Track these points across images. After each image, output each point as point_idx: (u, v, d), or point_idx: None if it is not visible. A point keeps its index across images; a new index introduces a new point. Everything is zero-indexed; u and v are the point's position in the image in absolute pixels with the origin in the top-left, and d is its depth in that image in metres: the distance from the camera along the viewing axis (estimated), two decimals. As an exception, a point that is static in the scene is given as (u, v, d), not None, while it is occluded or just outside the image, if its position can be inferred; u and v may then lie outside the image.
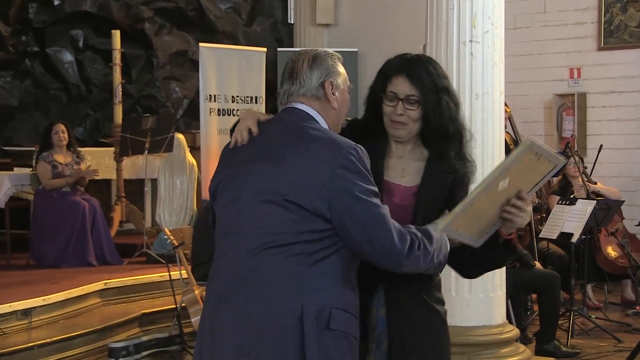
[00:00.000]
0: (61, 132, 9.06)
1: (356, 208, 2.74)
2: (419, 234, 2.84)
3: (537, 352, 6.86)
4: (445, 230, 2.90)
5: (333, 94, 2.95)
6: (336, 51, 3.08)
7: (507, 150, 8.01)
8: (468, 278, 3.29)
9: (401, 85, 3.06)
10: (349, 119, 3.18)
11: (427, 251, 2.84)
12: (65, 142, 9.10)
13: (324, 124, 2.93)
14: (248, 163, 2.88)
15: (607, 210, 7.90)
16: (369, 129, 3.15)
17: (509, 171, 2.85)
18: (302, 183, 2.76)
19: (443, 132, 3.08)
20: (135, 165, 10.51)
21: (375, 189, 2.80)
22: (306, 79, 2.94)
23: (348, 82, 3.02)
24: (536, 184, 2.95)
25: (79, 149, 9.38)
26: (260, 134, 2.94)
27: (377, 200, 2.78)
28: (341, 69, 3.00)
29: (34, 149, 9.55)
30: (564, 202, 7.81)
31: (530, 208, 2.93)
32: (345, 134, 3.00)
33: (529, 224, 8.06)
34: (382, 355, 3.08)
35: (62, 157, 9.07)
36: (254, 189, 2.84)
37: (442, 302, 3.18)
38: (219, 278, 2.90)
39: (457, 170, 3.10)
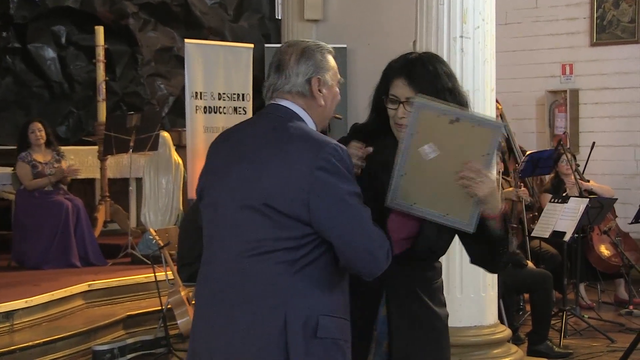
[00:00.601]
0: (38, 131, 9.03)
1: (335, 211, 2.70)
2: (386, 236, 2.81)
3: (529, 353, 6.88)
4: (400, 205, 2.89)
5: (320, 91, 2.90)
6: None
7: (499, 148, 8.04)
8: (493, 272, 3.23)
9: (401, 88, 3.03)
10: (338, 116, 3.17)
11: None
12: (42, 141, 9.07)
13: (309, 121, 2.90)
14: (228, 165, 2.86)
15: (600, 208, 7.93)
16: (376, 131, 3.12)
17: (418, 135, 2.83)
18: (281, 187, 2.72)
19: None
20: (119, 164, 10.50)
21: (357, 189, 2.75)
22: (292, 74, 2.89)
23: (338, 75, 2.98)
24: (487, 154, 2.84)
25: (60, 147, 9.36)
26: (241, 133, 2.93)
27: (357, 202, 2.73)
28: (331, 62, 2.95)
29: (15, 147, 9.52)
30: (556, 201, 7.83)
31: (491, 176, 2.87)
32: (347, 142, 2.99)
33: (521, 222, 8.10)
34: (382, 355, 3.07)
35: (41, 156, 9.05)
36: (233, 193, 2.81)
37: (443, 305, 3.18)
38: (205, 283, 2.89)
39: None
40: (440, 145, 2.85)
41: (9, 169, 9.52)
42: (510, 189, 8.10)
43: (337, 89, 2.99)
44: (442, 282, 3.20)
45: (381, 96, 3.09)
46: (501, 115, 9.50)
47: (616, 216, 8.94)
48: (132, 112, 10.32)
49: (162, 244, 6.90)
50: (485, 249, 3.01)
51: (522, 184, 8.37)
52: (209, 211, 2.91)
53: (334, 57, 2.99)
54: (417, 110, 2.84)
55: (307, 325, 2.71)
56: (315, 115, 2.92)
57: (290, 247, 2.72)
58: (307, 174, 2.70)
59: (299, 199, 2.70)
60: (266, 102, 2.97)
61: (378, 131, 3.11)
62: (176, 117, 12.47)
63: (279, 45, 12.60)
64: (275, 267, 2.73)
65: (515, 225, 8.05)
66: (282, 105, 2.89)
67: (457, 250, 3.28)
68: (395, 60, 3.12)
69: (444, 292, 3.23)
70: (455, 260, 5.55)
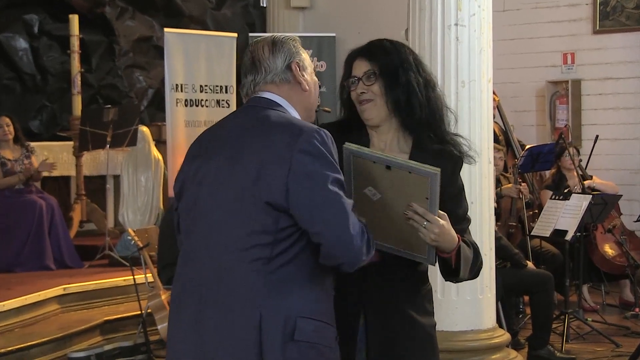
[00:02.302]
0: (5, 126, 9.02)
1: (314, 194, 2.71)
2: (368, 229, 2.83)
3: (530, 358, 6.92)
4: None
5: (302, 75, 2.97)
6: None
7: (496, 142, 8.07)
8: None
9: (359, 66, 3.15)
10: (327, 109, 3.21)
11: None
12: (11, 136, 9.06)
13: (292, 110, 2.94)
14: (207, 161, 2.89)
15: (603, 205, 7.96)
16: (349, 127, 3.19)
17: (358, 179, 2.90)
18: (260, 174, 2.74)
19: (412, 112, 3.11)
20: (96, 161, 10.49)
21: (341, 177, 2.77)
22: (270, 64, 2.94)
23: (312, 65, 3.07)
24: (427, 199, 2.87)
25: (29, 142, 9.35)
26: (221, 129, 2.96)
27: (339, 190, 2.73)
28: (303, 52, 3.04)
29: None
30: (557, 197, 7.85)
31: (438, 220, 2.90)
32: None
33: (521, 221, 8.12)
34: None
35: (9, 153, 9.04)
36: (212, 189, 2.84)
37: (430, 314, 3.20)
38: (180, 283, 2.92)
39: (442, 163, 3.10)
40: (382, 189, 2.91)
41: (-23, 167, 9.50)
42: (510, 185, 8.13)
43: (316, 78, 3.06)
44: (430, 288, 3.23)
45: (344, 85, 3.19)
46: (499, 108, 9.53)
47: (621, 213, 8.97)
48: (109, 106, 10.31)
49: (141, 245, 6.89)
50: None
51: (521, 180, 8.40)
52: (188, 210, 2.93)
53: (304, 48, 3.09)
54: (349, 156, 2.90)
55: (284, 327, 2.73)
56: (299, 104, 2.97)
57: (265, 244, 2.74)
58: (288, 158, 2.73)
59: (279, 183, 2.72)
60: (244, 100, 3.02)
61: (351, 127, 3.19)
62: (156, 111, 12.46)
63: (264, 34, 12.63)
64: (250, 265, 2.74)
65: (514, 224, 8.08)
66: (264, 97, 2.94)
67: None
68: (355, 47, 3.25)
69: (439, 294, 3.27)
70: (451, 261, 5.56)
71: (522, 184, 8.28)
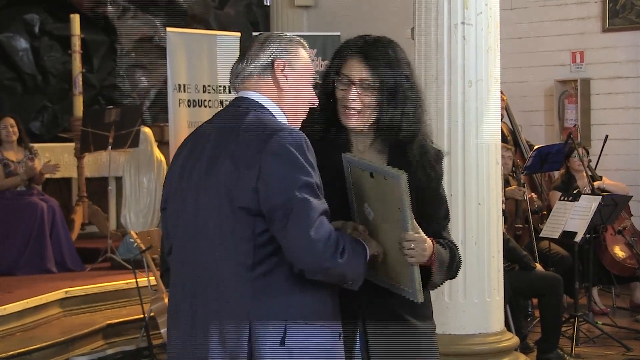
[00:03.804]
0: (10, 127, 9.03)
1: (279, 197, 2.70)
2: (348, 241, 2.79)
3: (540, 362, 6.91)
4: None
5: (283, 75, 2.92)
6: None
7: (504, 142, 8.07)
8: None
9: (356, 68, 3.05)
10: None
11: (352, 263, 2.79)
12: (15, 138, 9.07)
13: (276, 111, 2.91)
14: (188, 169, 2.90)
15: (613, 206, 7.94)
16: (326, 122, 3.11)
17: (355, 190, 2.91)
18: (234, 178, 2.75)
19: (395, 127, 3.05)
20: (97, 162, 10.51)
21: (313, 180, 2.73)
22: (254, 57, 2.93)
23: (313, 72, 2.99)
24: (400, 210, 2.85)
25: (33, 144, 9.36)
26: (201, 132, 2.97)
27: (307, 194, 2.70)
28: (302, 54, 2.98)
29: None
30: (566, 198, 7.84)
31: (425, 243, 2.89)
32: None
33: (527, 222, 8.11)
34: None
35: (13, 154, 9.05)
36: (193, 196, 2.86)
37: (429, 318, 3.20)
38: (175, 289, 2.96)
39: (423, 175, 3.08)
40: (372, 201, 2.91)
41: (-22, 169, 9.52)
42: (514, 187, 8.12)
43: (309, 88, 2.97)
44: (430, 293, 3.20)
45: (330, 76, 3.09)
46: (507, 108, 9.53)
47: (631, 215, 8.96)
48: (111, 107, 10.33)
49: (143, 248, 6.90)
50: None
51: (531, 191, 8.38)
52: (174, 218, 2.96)
53: (304, 48, 3.00)
54: (347, 165, 2.91)
55: (273, 337, 2.74)
56: (284, 105, 2.93)
57: (246, 250, 2.75)
58: (257, 161, 2.72)
59: (249, 187, 2.72)
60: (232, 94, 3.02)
61: (329, 121, 3.11)
62: (158, 112, 12.48)
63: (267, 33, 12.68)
64: (234, 272, 2.76)
65: (520, 225, 8.06)
66: (247, 97, 2.93)
67: (460, 252, 3.30)
68: (350, 39, 3.14)
69: (446, 297, 3.27)
70: (458, 263, 5.56)
71: (532, 194, 8.26)
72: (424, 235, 2.88)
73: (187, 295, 2.86)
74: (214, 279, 2.79)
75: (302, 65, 2.96)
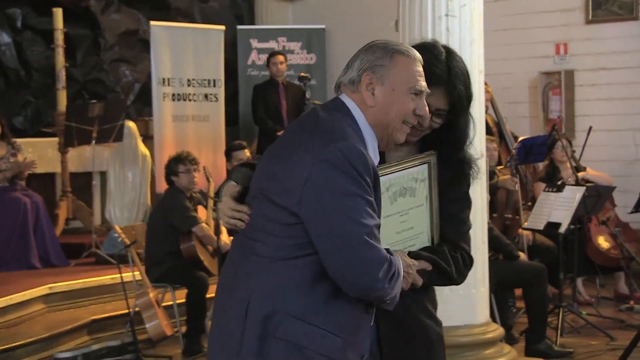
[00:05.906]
0: (-9, 122, 9.00)
1: (329, 208, 2.66)
2: (395, 262, 2.76)
3: (528, 353, 6.91)
4: None
5: (368, 90, 2.85)
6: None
7: (489, 134, 8.07)
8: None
9: (437, 98, 3.03)
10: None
11: (397, 287, 2.77)
12: (-3, 133, 9.04)
13: (360, 118, 2.85)
14: (261, 162, 2.94)
15: (597, 197, 7.96)
16: None
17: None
18: (281, 176, 2.75)
19: (457, 148, 3.12)
20: (81, 157, 10.46)
21: (366, 195, 2.68)
22: (350, 66, 2.91)
23: (414, 83, 2.86)
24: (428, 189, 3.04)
25: (16, 139, 9.32)
26: (288, 129, 2.98)
27: (359, 203, 2.66)
28: (401, 65, 2.87)
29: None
30: (550, 189, 7.86)
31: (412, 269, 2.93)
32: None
33: (518, 213, 8.11)
34: None
35: (-5, 150, 9.02)
36: (254, 186, 2.89)
37: (434, 315, 3.25)
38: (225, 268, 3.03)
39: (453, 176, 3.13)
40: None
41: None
42: (507, 177, 8.12)
43: (407, 99, 2.87)
44: (435, 292, 3.28)
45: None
46: (491, 100, 9.53)
47: (615, 205, 8.98)
48: (95, 101, 10.29)
49: (128, 243, 6.89)
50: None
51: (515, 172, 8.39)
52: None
53: (418, 61, 2.91)
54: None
55: (267, 322, 2.74)
56: (369, 116, 2.87)
57: (269, 242, 2.76)
58: (310, 164, 2.70)
59: (294, 189, 2.71)
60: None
61: None
62: (142, 106, 12.42)
63: (252, 27, 12.61)
64: (252, 257, 2.80)
65: (510, 216, 8.06)
66: (338, 99, 2.90)
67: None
68: (432, 59, 3.05)
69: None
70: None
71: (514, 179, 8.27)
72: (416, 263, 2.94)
73: (229, 276, 2.91)
74: (239, 260, 2.87)
75: (395, 76, 2.86)
